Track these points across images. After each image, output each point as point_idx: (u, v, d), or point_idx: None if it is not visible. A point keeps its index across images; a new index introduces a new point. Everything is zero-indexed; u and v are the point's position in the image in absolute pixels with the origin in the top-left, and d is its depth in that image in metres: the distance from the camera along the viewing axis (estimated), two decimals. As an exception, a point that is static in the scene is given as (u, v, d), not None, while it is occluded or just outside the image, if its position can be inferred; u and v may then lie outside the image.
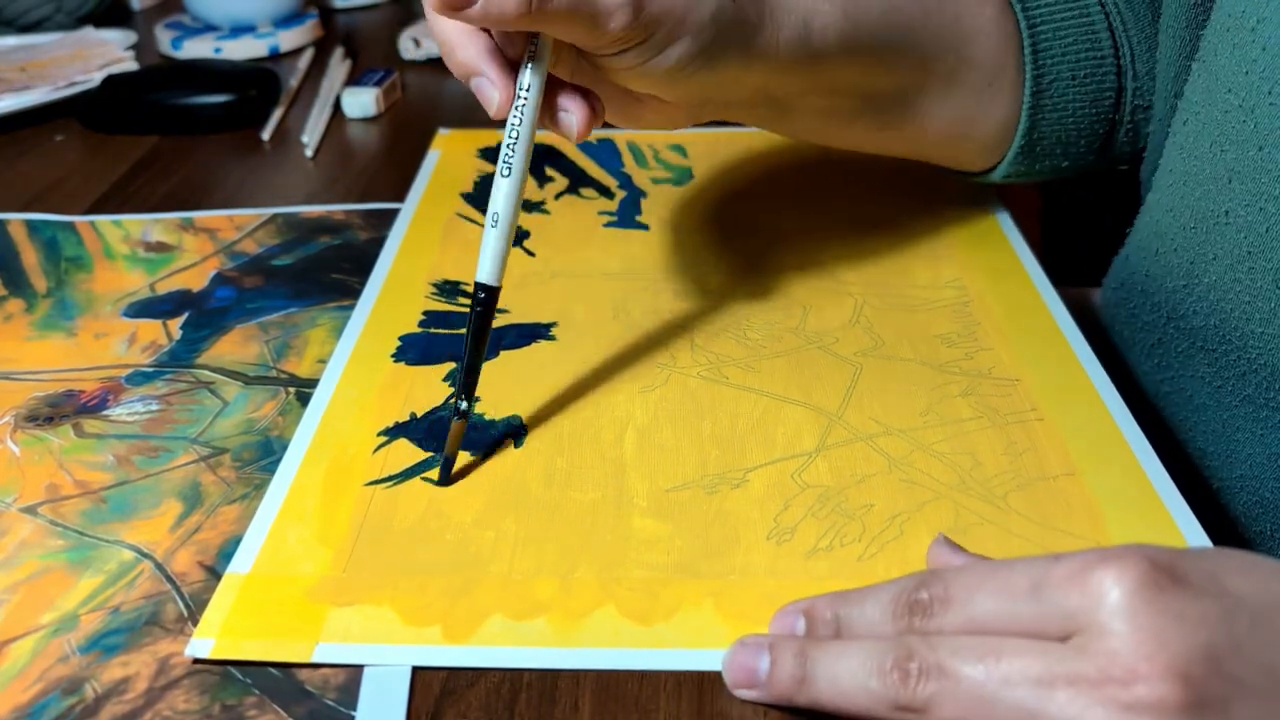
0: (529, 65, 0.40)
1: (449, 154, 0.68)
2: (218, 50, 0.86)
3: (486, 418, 0.45)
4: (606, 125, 0.44)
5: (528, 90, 0.40)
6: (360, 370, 0.47)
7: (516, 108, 0.40)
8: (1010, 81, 0.51)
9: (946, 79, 0.50)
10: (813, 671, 0.31)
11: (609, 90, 0.43)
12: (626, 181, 0.64)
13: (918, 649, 0.30)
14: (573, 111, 0.41)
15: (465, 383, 0.41)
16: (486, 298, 0.41)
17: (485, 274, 0.41)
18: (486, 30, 0.40)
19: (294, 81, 0.80)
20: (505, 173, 0.40)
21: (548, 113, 0.41)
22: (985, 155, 0.54)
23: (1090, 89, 0.52)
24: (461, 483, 0.41)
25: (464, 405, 0.41)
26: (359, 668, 0.34)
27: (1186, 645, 0.28)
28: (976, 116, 0.52)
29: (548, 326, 0.50)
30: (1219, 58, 0.42)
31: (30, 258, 0.58)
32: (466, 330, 0.41)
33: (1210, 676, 0.27)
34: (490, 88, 0.39)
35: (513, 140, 0.40)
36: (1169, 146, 0.46)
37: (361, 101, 0.76)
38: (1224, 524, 0.46)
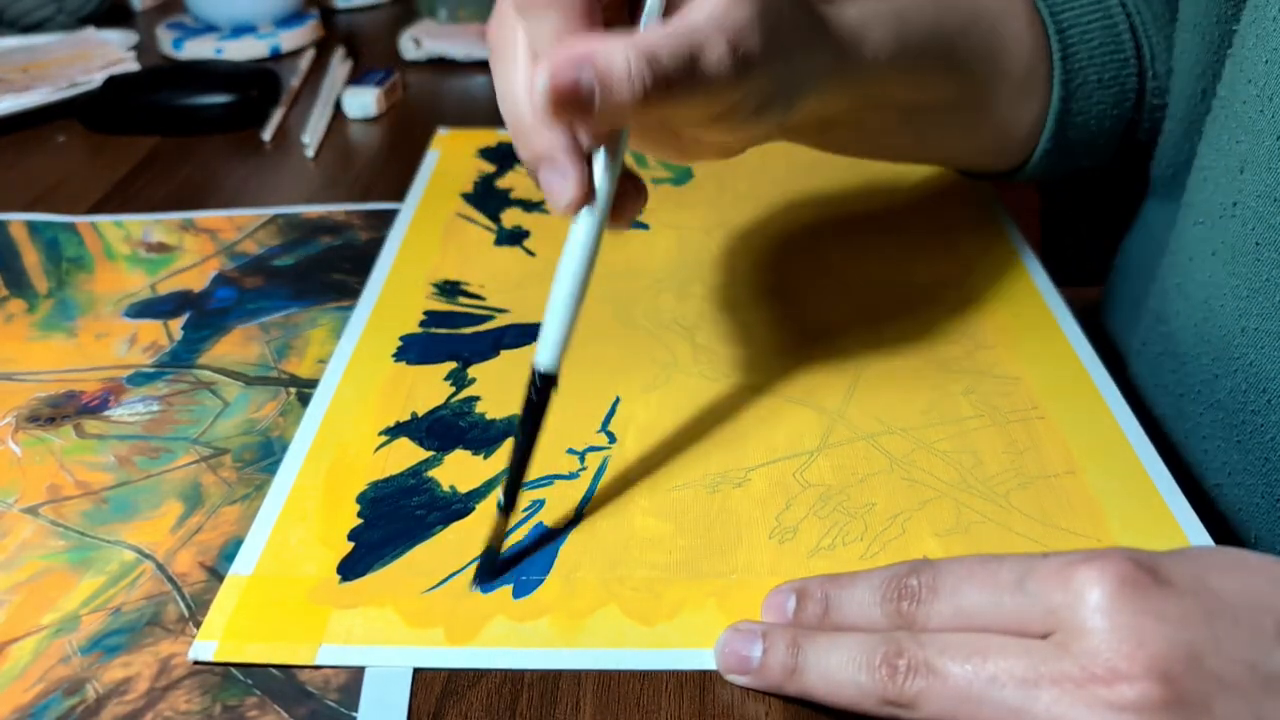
0: (604, 156, 0.36)
1: (448, 154, 0.68)
2: (219, 51, 0.86)
3: (487, 417, 0.45)
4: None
5: (602, 187, 0.36)
6: (361, 370, 0.47)
7: (590, 208, 0.36)
8: (1039, 87, 0.52)
9: (984, 90, 0.50)
10: (804, 662, 0.32)
11: (663, 135, 0.41)
12: (627, 181, 0.64)
13: (907, 646, 0.30)
14: (625, 207, 0.38)
15: (511, 480, 0.37)
16: (542, 386, 0.37)
17: (543, 360, 0.37)
18: None
19: (295, 82, 0.80)
20: (569, 278, 0.37)
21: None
22: (1010, 159, 0.55)
23: (1114, 91, 0.53)
24: (462, 484, 0.41)
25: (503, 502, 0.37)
26: (360, 668, 0.34)
27: (1166, 644, 0.28)
28: (1008, 124, 0.52)
29: (549, 326, 0.50)
30: (1245, 49, 0.42)
31: (31, 258, 0.58)
32: (519, 419, 0.37)
33: (1191, 674, 0.27)
34: (563, 181, 0.35)
35: (579, 241, 0.36)
36: (1202, 145, 0.46)
37: (362, 102, 0.76)
38: (1228, 523, 0.46)
